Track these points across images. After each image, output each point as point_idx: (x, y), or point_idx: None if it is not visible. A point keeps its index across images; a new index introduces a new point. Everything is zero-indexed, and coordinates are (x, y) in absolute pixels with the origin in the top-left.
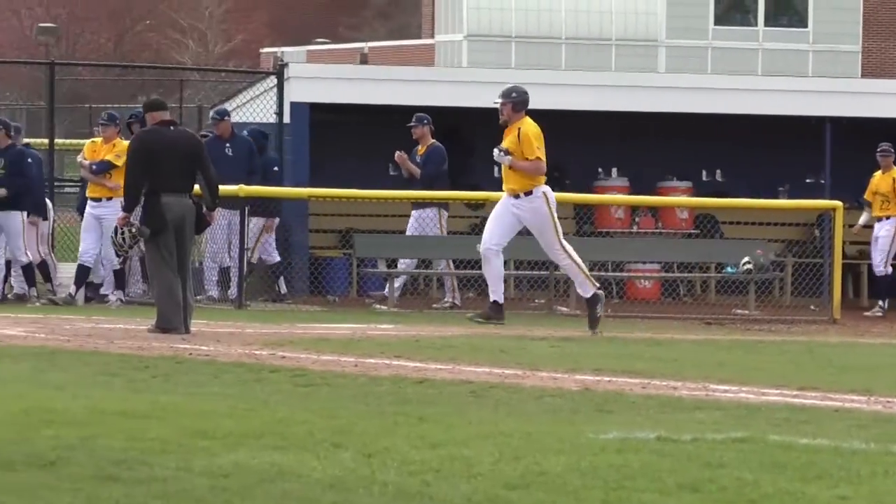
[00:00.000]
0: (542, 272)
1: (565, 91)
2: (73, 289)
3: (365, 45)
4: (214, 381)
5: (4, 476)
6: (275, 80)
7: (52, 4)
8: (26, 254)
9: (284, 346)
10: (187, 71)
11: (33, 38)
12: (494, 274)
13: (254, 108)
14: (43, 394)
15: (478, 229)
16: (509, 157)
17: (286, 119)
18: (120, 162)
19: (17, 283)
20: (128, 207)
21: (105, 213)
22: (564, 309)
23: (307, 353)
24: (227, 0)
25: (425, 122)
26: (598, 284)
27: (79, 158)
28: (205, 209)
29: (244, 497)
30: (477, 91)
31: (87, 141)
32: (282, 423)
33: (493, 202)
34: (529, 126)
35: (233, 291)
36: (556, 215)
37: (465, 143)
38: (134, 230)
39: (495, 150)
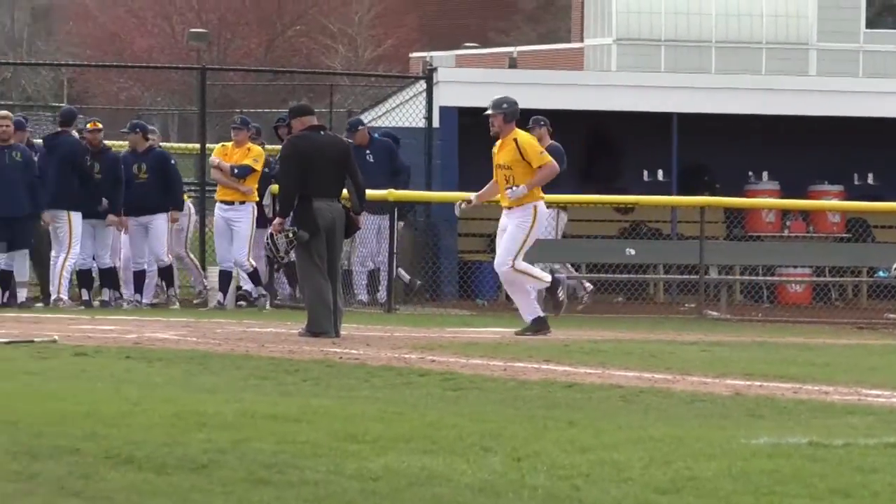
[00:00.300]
0: (692, 276)
1: (715, 94)
2: (220, 296)
3: (514, 50)
4: (364, 385)
5: (157, 479)
6: (424, 85)
7: (204, 10)
8: (167, 255)
9: (434, 349)
10: (337, 76)
11: (185, 44)
12: (527, 290)
13: (403, 112)
14: (195, 397)
15: (627, 233)
16: (521, 188)
17: (435, 123)
18: (258, 166)
19: (123, 291)
20: (283, 213)
21: (236, 217)
22: (714, 313)
23: (456, 357)
24: (377, 5)
25: (542, 123)
26: (540, 313)
27: (211, 159)
28: (353, 213)
29: (394, 500)
30: (626, 95)
31: (218, 144)
32: (431, 426)
33: (642, 206)
34: (524, 135)
35: (382, 295)
36: (532, 234)
37: (613, 147)
38: (291, 235)
39: (507, 191)
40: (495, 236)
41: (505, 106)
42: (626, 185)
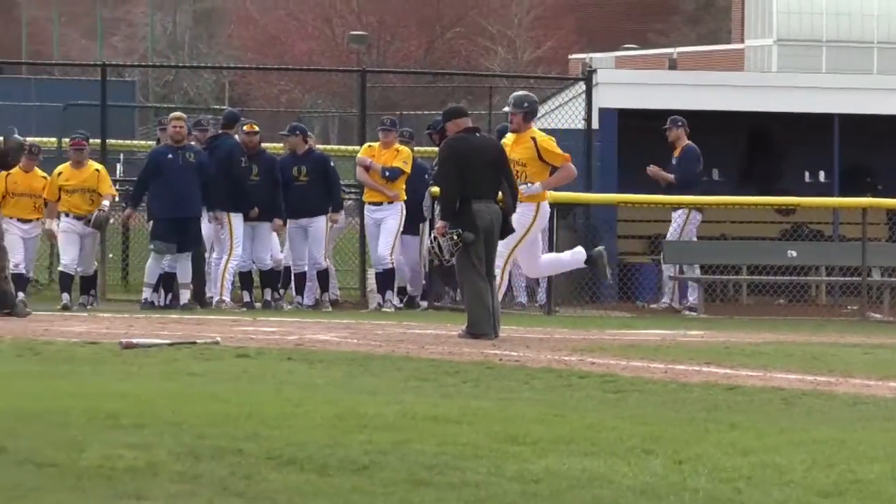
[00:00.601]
0: (854, 278)
1: (877, 96)
2: (379, 297)
3: (674, 51)
4: (524, 387)
5: (319, 480)
6: (583, 87)
7: (364, 12)
8: (325, 259)
9: (594, 351)
10: (496, 78)
11: (345, 46)
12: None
13: (562, 114)
14: (355, 399)
15: (788, 235)
16: (537, 185)
17: (594, 125)
18: (408, 168)
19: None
20: (447, 215)
21: (385, 216)
22: (878, 315)
23: (616, 359)
24: (536, 7)
25: (679, 124)
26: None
27: (360, 158)
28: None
29: (555, 503)
30: (786, 96)
31: (365, 145)
32: (591, 428)
33: (804, 208)
34: (542, 136)
35: (541, 297)
36: (531, 233)
37: (774, 149)
38: (456, 237)
39: (523, 187)
40: (655, 238)
41: (526, 105)
42: (788, 187)
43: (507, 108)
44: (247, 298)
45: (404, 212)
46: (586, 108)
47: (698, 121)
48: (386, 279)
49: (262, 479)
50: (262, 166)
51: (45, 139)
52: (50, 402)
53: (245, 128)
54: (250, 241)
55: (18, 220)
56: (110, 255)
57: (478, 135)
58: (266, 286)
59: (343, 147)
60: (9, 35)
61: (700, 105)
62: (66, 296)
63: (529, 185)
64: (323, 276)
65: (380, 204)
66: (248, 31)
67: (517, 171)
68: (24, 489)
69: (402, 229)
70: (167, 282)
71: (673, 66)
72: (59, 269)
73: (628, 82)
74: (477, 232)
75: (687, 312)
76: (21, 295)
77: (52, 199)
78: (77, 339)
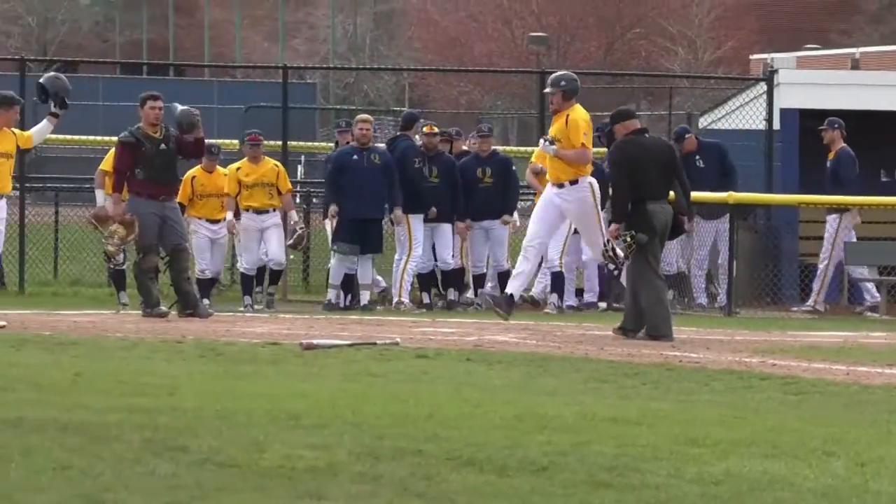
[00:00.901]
0: None
1: None
2: (555, 297)
3: (857, 51)
4: (704, 389)
5: (498, 481)
6: (764, 87)
7: (544, 14)
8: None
9: (774, 353)
10: (676, 78)
11: (524, 48)
12: (526, 271)
13: (743, 114)
14: (534, 400)
15: None
16: (554, 147)
17: (775, 125)
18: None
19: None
20: (618, 217)
21: None
22: None
23: (797, 361)
24: (716, 7)
25: (836, 126)
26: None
27: (533, 165)
28: (680, 215)
29: None
30: None
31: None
32: (772, 431)
33: None
34: (579, 113)
35: (722, 299)
36: (600, 208)
37: None
38: (630, 239)
39: (541, 140)
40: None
41: (563, 83)
42: None
43: (546, 91)
44: (426, 300)
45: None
46: (767, 108)
47: (882, 121)
48: (556, 281)
49: (441, 479)
50: (441, 168)
51: (226, 141)
52: (231, 403)
53: (424, 129)
54: (430, 242)
55: (207, 220)
56: (291, 257)
57: (647, 136)
58: (449, 286)
59: (522, 148)
60: (192, 38)
61: (883, 105)
62: (247, 298)
63: (548, 143)
64: (504, 278)
65: None
66: (428, 32)
67: None
68: (205, 489)
69: (572, 231)
70: (347, 283)
71: (855, 66)
72: (241, 270)
73: (810, 82)
74: (653, 233)
75: (868, 314)
76: (206, 301)
77: (232, 193)
78: (258, 340)
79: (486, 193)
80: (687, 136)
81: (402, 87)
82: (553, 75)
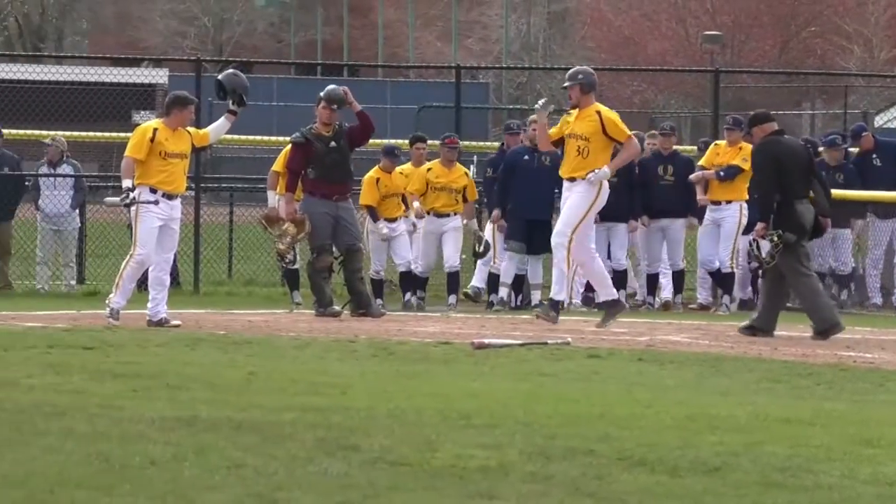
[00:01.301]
0: None
1: None
2: (727, 299)
3: None
4: (879, 390)
5: (670, 481)
6: None
7: (718, 12)
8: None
9: None
10: (851, 77)
11: (698, 46)
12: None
13: None
14: (706, 400)
15: None
16: (605, 170)
17: None
18: (746, 166)
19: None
20: (765, 216)
21: (722, 216)
22: None
23: None
24: (893, 5)
25: None
26: (567, 298)
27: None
28: (821, 216)
29: None
30: None
31: (712, 145)
32: None
33: None
34: (607, 110)
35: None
36: (595, 208)
37: None
38: (776, 238)
39: (590, 174)
40: None
41: (581, 77)
42: None
43: (564, 85)
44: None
45: (742, 211)
46: None
47: None
48: (725, 282)
49: (613, 479)
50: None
51: (399, 141)
52: (403, 402)
53: None
54: (605, 242)
55: (385, 220)
56: (462, 257)
57: (785, 137)
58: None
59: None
60: (365, 38)
61: None
62: (408, 295)
63: (596, 171)
64: (678, 278)
65: (719, 203)
66: (601, 31)
67: (579, 147)
68: (377, 488)
69: (741, 230)
70: (517, 283)
71: None
72: (412, 270)
73: None
74: (802, 232)
75: None
76: (379, 301)
77: (418, 192)
78: (430, 340)
79: (666, 192)
80: (864, 133)
81: None
82: (571, 69)
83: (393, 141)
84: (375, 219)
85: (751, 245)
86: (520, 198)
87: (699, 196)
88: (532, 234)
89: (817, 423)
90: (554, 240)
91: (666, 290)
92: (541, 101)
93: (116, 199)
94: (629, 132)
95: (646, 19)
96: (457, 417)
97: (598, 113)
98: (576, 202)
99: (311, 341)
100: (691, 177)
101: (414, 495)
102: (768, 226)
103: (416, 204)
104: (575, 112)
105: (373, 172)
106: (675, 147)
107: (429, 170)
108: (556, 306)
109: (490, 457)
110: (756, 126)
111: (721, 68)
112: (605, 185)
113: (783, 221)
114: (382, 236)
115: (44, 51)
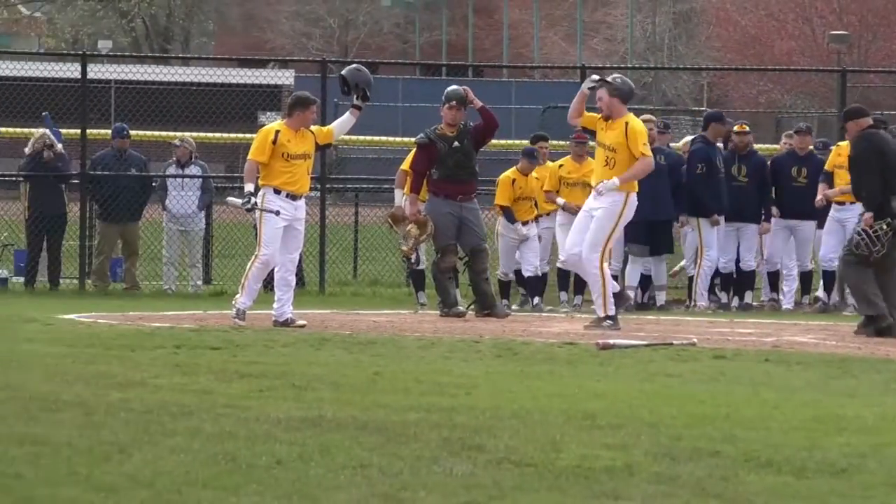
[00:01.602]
0: None
1: None
2: (825, 296)
3: None
4: None
5: (796, 483)
6: None
7: (845, 11)
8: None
9: None
10: None
11: (825, 46)
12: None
13: None
14: (833, 401)
15: None
16: (615, 181)
17: None
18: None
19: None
20: (871, 207)
21: (850, 217)
22: None
23: None
24: None
25: None
26: (611, 312)
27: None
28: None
29: None
30: None
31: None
32: None
33: None
34: (636, 121)
35: None
36: (621, 224)
37: None
38: (886, 227)
39: (599, 185)
40: None
41: (618, 80)
42: None
43: (589, 87)
44: (724, 300)
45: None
46: None
47: None
48: (829, 277)
49: (739, 481)
50: (751, 167)
51: (523, 142)
52: (528, 402)
53: (736, 128)
54: (734, 243)
55: (521, 223)
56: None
57: (882, 131)
58: (747, 288)
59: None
60: (490, 38)
61: None
62: (537, 299)
63: (606, 182)
64: (807, 278)
65: (843, 203)
66: (727, 31)
67: (607, 157)
68: (502, 488)
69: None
70: (644, 284)
71: None
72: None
73: None
74: None
75: None
76: (504, 302)
77: (553, 189)
78: (555, 340)
79: (799, 193)
80: None
81: (700, 87)
82: (591, 76)
83: (519, 142)
84: (511, 220)
85: (860, 235)
86: (639, 199)
87: (818, 198)
88: (653, 234)
89: None
90: (585, 266)
91: (788, 294)
92: (594, 76)
93: (238, 201)
94: (647, 152)
95: (772, 19)
96: (582, 418)
97: (626, 124)
98: (600, 221)
99: (436, 341)
100: (829, 192)
101: (539, 496)
102: (873, 215)
103: (560, 201)
104: (606, 124)
105: (509, 173)
106: (804, 145)
107: (560, 166)
108: (608, 320)
109: (615, 457)
110: (851, 121)
111: (848, 68)
112: (634, 198)
113: (885, 215)
114: (521, 237)
115: (170, 52)
